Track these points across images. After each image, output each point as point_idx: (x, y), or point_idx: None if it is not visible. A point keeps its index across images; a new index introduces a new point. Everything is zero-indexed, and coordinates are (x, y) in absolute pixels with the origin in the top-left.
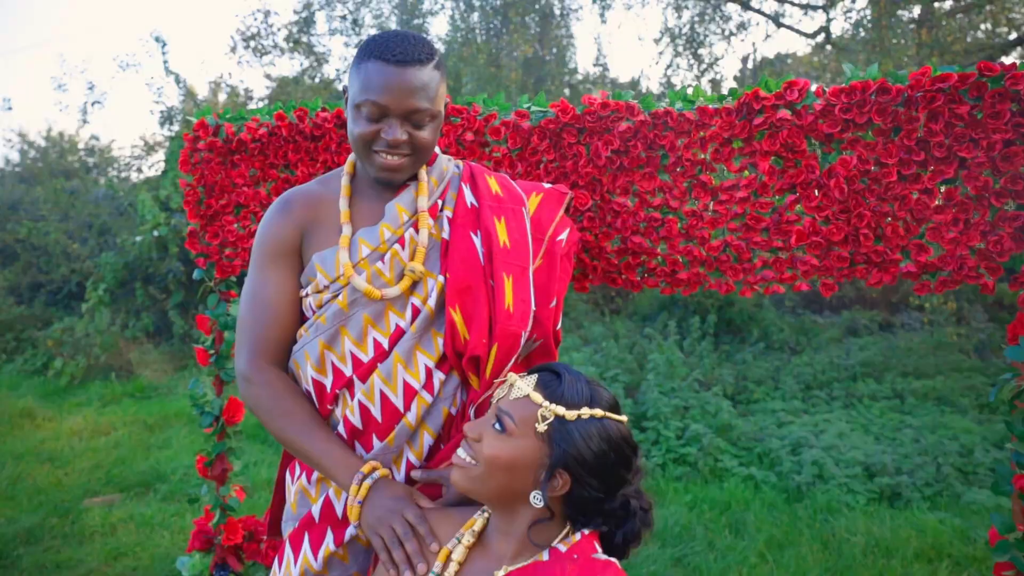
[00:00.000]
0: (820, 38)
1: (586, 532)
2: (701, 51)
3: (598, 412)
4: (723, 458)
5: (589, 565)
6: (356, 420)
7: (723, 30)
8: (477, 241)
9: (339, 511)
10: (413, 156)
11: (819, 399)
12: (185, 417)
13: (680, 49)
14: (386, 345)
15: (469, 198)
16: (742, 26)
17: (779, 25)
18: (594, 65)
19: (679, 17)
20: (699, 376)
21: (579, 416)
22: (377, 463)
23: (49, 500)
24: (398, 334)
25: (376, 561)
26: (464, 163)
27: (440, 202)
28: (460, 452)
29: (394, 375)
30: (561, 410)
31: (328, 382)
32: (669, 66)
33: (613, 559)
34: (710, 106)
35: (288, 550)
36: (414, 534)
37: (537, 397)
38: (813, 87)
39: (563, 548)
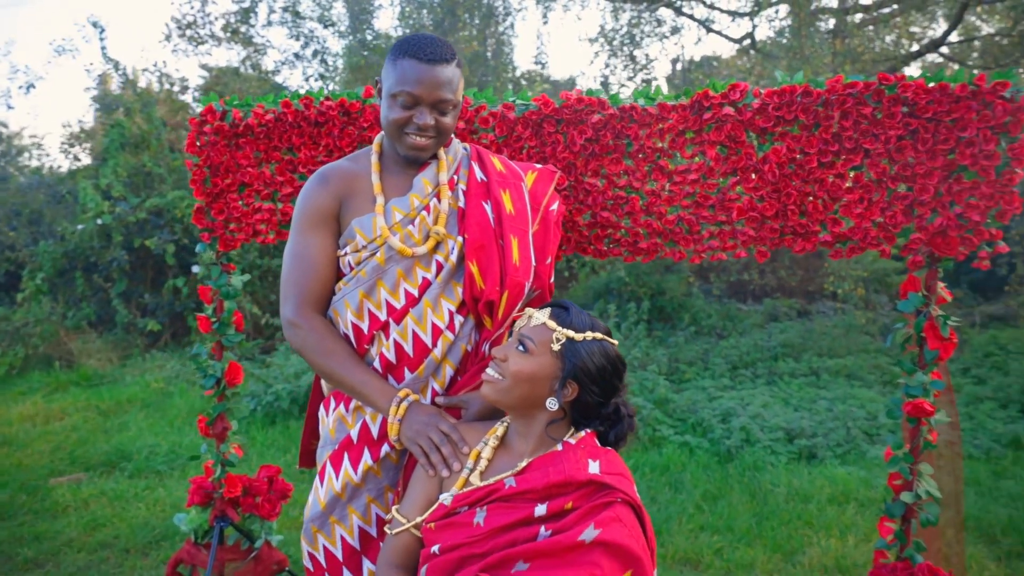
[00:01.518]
0: (746, 43)
1: (587, 431)
2: (636, 52)
3: (599, 335)
4: (661, 428)
5: (594, 449)
6: (391, 356)
7: (657, 34)
8: (488, 209)
9: (375, 433)
10: (437, 138)
11: (745, 377)
12: (139, 403)
13: (616, 50)
14: (416, 293)
15: (479, 174)
16: (675, 30)
17: (708, 30)
18: (534, 63)
19: (616, 20)
20: (636, 356)
21: (585, 338)
22: (409, 390)
23: (13, 480)
24: (425, 285)
25: (407, 475)
26: (471, 145)
27: (455, 177)
28: (489, 371)
29: (425, 317)
30: (571, 333)
31: (365, 325)
32: (606, 66)
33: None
34: (668, 103)
35: (330, 468)
36: (448, 440)
37: (552, 324)
38: (751, 89)
39: (572, 441)
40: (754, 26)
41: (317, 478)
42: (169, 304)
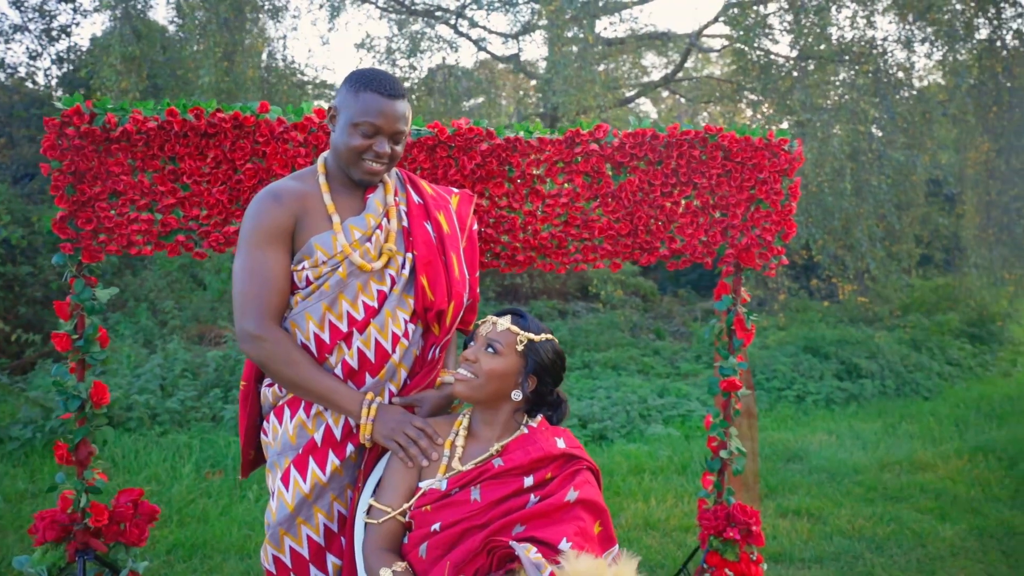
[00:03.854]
0: (512, 64)
1: (541, 416)
2: (415, 63)
3: (550, 336)
4: None
5: (554, 429)
6: (354, 362)
7: (438, 48)
8: (429, 228)
9: (338, 435)
10: (389, 165)
11: None
12: None
13: (397, 60)
14: (376, 305)
15: (415, 197)
16: (452, 46)
17: (480, 48)
18: (324, 69)
19: (401, 30)
20: None
21: (542, 339)
22: (372, 393)
23: None
24: (382, 296)
25: (366, 472)
26: (400, 170)
27: (396, 199)
28: (461, 371)
29: (386, 326)
30: (531, 335)
31: (327, 336)
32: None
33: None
34: (546, 137)
35: (295, 472)
36: (424, 435)
37: (515, 328)
38: (612, 130)
39: (534, 424)
40: (520, 49)
41: (280, 483)
42: None
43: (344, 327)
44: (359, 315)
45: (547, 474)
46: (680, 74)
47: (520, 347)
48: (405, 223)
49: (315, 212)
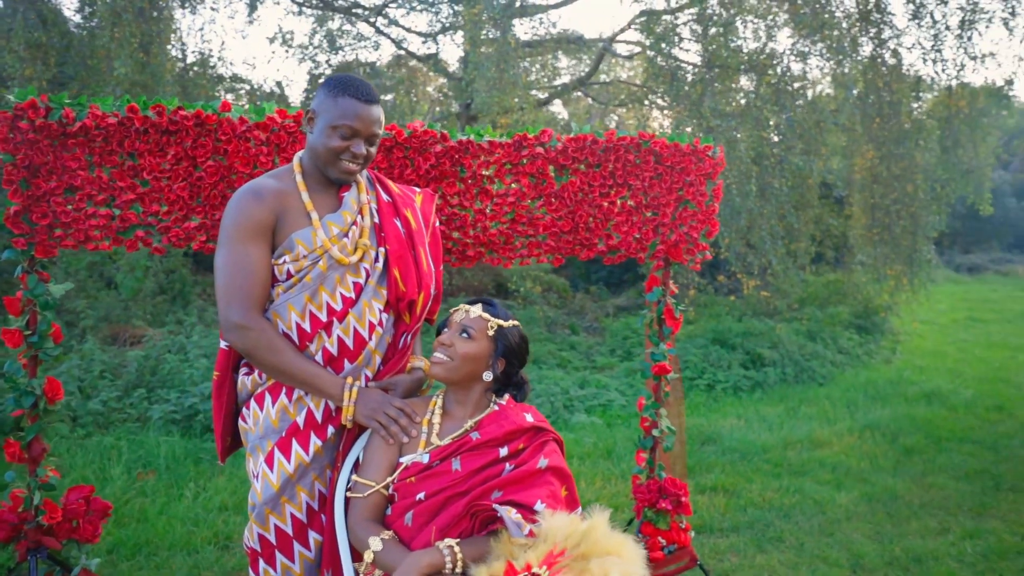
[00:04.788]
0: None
1: (507, 396)
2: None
3: (516, 323)
4: None
5: (521, 406)
6: (334, 350)
7: (362, 46)
8: (399, 224)
9: (319, 418)
10: (364, 164)
11: None
12: None
13: (319, 58)
14: (353, 296)
15: (384, 195)
16: (375, 45)
17: (400, 48)
18: (243, 64)
19: (323, 27)
20: None
21: (510, 325)
22: (351, 377)
23: None
24: (358, 288)
25: (344, 452)
26: (368, 171)
27: (368, 197)
28: (438, 354)
29: (364, 315)
30: (500, 321)
31: (308, 325)
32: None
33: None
34: (496, 140)
35: (279, 454)
36: (404, 414)
37: (486, 315)
38: (555, 134)
39: (503, 402)
40: (438, 48)
41: (264, 465)
42: None
43: (324, 317)
44: (338, 306)
45: (519, 445)
46: (592, 78)
47: (491, 332)
48: (376, 220)
49: (294, 209)
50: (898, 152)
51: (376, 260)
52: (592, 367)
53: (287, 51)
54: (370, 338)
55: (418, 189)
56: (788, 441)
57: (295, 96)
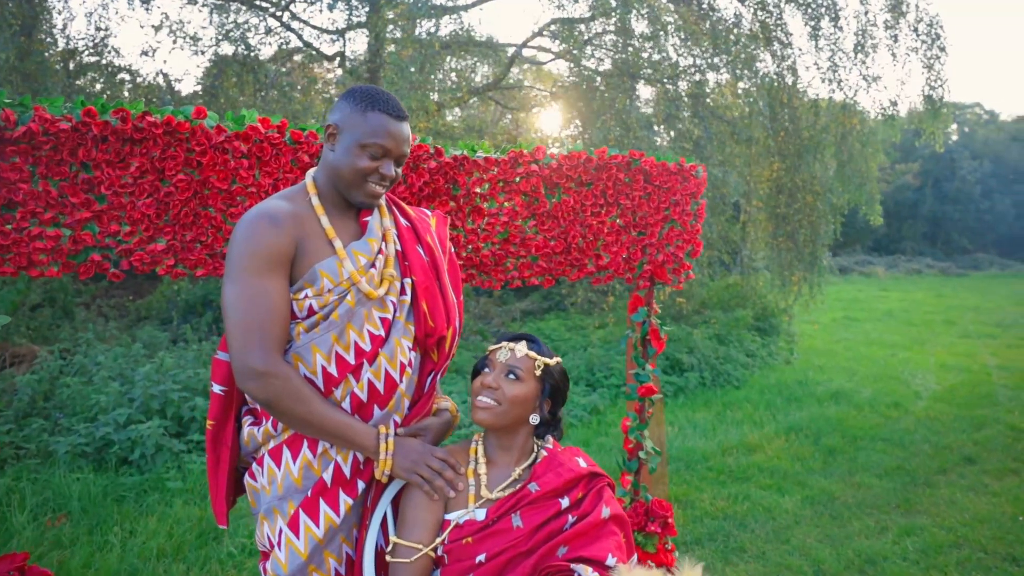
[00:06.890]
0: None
1: (549, 437)
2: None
3: (559, 359)
4: None
5: (570, 449)
6: (363, 395)
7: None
8: (422, 252)
9: (347, 473)
10: (390, 186)
11: None
12: None
13: (230, 52)
14: (382, 333)
15: (402, 220)
16: (285, 42)
17: (306, 45)
18: (141, 56)
19: (234, 22)
20: None
21: (555, 363)
22: (384, 426)
23: None
24: (387, 324)
25: (372, 508)
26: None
27: (388, 222)
28: (483, 399)
29: (395, 355)
30: (547, 360)
31: (334, 368)
32: (215, 67)
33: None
34: (491, 156)
35: (304, 517)
36: (448, 465)
37: (532, 354)
38: (551, 151)
39: (550, 446)
40: (344, 47)
41: (288, 531)
42: None
43: (352, 359)
44: (366, 346)
45: (579, 494)
46: (502, 82)
47: (538, 372)
48: (399, 247)
49: (315, 236)
50: (800, 164)
51: (402, 292)
52: None
53: (174, 41)
54: (401, 380)
55: (429, 212)
56: (724, 447)
57: (187, 89)
